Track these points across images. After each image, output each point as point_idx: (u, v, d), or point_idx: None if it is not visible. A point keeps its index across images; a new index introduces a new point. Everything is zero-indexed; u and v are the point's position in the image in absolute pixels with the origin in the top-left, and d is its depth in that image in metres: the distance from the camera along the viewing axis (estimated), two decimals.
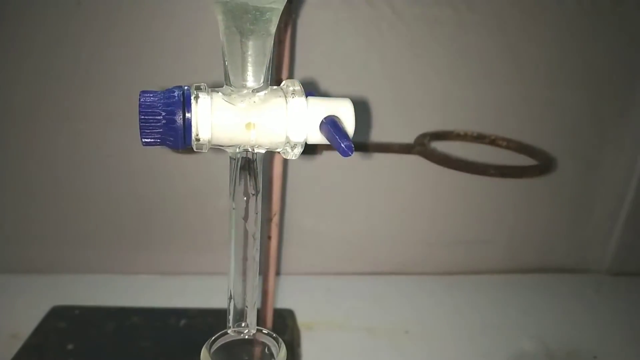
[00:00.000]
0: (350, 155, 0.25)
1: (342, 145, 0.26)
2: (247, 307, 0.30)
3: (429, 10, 0.58)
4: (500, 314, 0.64)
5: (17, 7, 0.54)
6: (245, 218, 0.29)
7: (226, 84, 0.28)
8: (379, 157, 0.64)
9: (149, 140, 0.26)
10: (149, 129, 0.26)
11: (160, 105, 0.26)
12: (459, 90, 0.62)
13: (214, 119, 0.26)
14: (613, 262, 0.73)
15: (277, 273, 0.66)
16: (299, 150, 0.28)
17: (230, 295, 0.30)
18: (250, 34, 0.26)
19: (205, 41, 0.54)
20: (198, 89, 0.27)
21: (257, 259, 0.30)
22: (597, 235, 0.73)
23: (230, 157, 0.28)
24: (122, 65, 0.57)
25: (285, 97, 0.27)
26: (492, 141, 0.54)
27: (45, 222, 0.64)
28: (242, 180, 0.28)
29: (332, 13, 0.57)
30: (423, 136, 0.53)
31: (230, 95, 0.27)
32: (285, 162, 0.59)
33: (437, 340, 0.59)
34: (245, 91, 0.27)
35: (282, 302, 0.61)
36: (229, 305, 0.30)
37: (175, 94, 0.26)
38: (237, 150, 0.28)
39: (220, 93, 0.27)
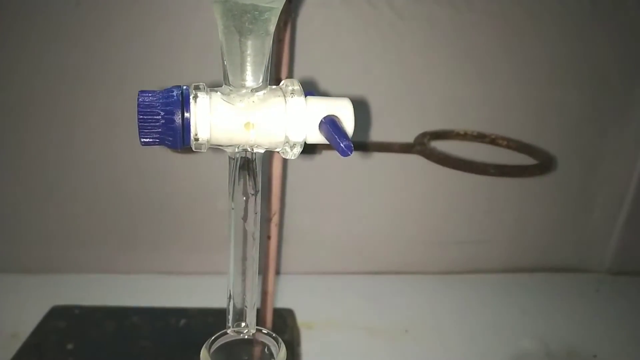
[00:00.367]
0: (349, 155, 0.25)
1: (341, 144, 0.25)
2: (246, 306, 0.30)
3: (429, 9, 0.58)
4: (500, 314, 0.64)
5: (16, 7, 0.54)
6: (245, 218, 0.29)
7: (225, 84, 0.28)
8: (378, 157, 0.64)
9: (147, 140, 0.26)
10: (148, 129, 0.26)
11: (159, 105, 0.26)
12: (459, 89, 0.62)
13: (213, 118, 0.26)
14: (613, 262, 0.73)
15: (277, 273, 0.66)
16: (298, 149, 0.28)
17: (230, 295, 0.30)
18: (249, 34, 0.26)
19: (204, 41, 0.54)
20: (197, 88, 0.26)
21: (257, 258, 0.30)
22: (597, 235, 0.72)
23: (229, 157, 0.28)
24: (121, 65, 0.57)
25: (284, 96, 0.27)
26: (492, 140, 0.54)
27: (45, 222, 0.64)
28: (241, 180, 0.28)
29: (332, 12, 0.57)
30: (423, 135, 0.53)
31: (229, 94, 0.27)
32: (285, 161, 0.59)
33: (436, 340, 0.59)
34: (244, 91, 0.27)
35: (282, 302, 0.61)
36: (228, 305, 0.30)
37: (174, 93, 0.26)
38: (236, 150, 0.28)
39: (219, 93, 0.27)
